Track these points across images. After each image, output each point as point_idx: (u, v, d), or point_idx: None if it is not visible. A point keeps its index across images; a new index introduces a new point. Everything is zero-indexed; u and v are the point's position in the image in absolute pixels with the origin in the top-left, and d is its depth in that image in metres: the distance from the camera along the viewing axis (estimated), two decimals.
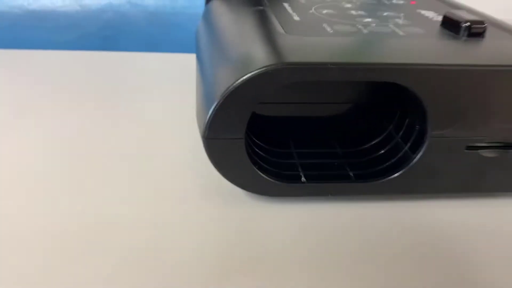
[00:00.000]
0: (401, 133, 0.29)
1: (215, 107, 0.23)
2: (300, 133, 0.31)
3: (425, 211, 0.28)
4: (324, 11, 0.33)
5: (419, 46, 0.26)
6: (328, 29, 0.28)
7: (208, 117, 0.24)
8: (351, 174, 0.28)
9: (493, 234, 0.26)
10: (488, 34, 0.29)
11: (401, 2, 0.37)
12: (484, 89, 0.24)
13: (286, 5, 0.34)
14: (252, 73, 0.22)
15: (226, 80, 0.23)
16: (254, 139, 0.29)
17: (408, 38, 0.28)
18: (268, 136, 0.31)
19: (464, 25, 0.28)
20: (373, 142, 0.30)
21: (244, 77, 0.23)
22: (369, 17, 0.32)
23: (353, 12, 0.33)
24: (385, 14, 0.33)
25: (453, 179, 0.27)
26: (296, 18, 0.30)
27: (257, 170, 0.25)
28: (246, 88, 0.23)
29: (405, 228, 0.26)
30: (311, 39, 0.26)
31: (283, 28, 0.28)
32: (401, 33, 0.29)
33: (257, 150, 0.28)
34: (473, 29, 0.28)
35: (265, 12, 0.31)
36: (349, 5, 0.35)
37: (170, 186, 0.28)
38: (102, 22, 0.61)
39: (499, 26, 0.31)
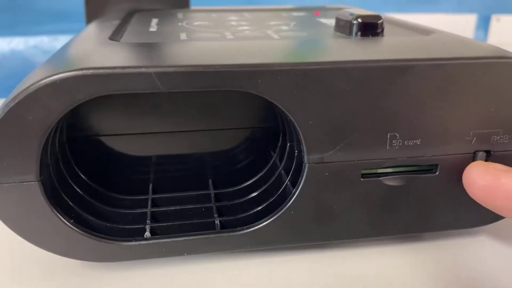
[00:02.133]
0: (283, 162, 0.22)
1: None
2: (166, 174, 0.24)
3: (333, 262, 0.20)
4: (196, 23, 0.26)
5: (284, 47, 0.20)
6: (183, 36, 0.22)
7: None
8: (216, 222, 0.20)
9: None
10: (388, 33, 0.23)
11: (303, 14, 0.32)
12: (371, 93, 0.18)
13: (154, 19, 0.28)
14: (31, 88, 0.16)
15: (7, 102, 0.16)
16: (88, 182, 0.22)
17: (279, 41, 0.21)
18: (124, 179, 0.24)
19: (354, 22, 0.22)
20: (254, 178, 0.23)
21: (23, 95, 0.16)
22: (248, 26, 0.25)
23: (234, 23, 0.27)
24: (272, 23, 0.27)
25: (352, 220, 0.20)
26: (152, 29, 0.24)
27: (68, 225, 0.18)
28: (25, 109, 0.16)
29: None
30: (143, 46, 0.19)
31: (122, 37, 0.21)
32: (276, 37, 0.22)
33: (84, 197, 0.21)
34: (366, 27, 0.22)
35: (122, 25, 0.25)
36: (235, 18, 0.29)
37: None
38: (5, 71, 0.55)
39: (406, 27, 0.25)
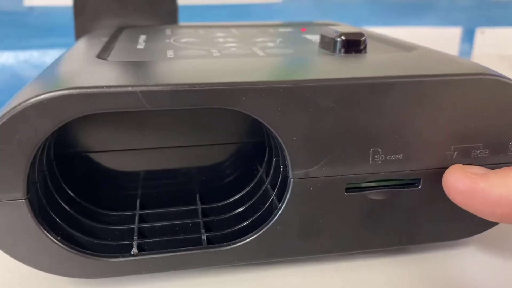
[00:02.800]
0: (269, 177, 0.22)
1: None
2: (153, 189, 0.24)
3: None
4: (184, 40, 0.27)
5: (269, 65, 0.20)
6: (170, 54, 0.22)
7: None
8: (203, 237, 0.20)
9: None
10: (371, 49, 0.23)
11: (290, 30, 0.32)
12: (354, 109, 0.18)
13: (142, 36, 0.28)
14: (18, 107, 0.16)
15: None
16: (76, 198, 0.22)
17: (264, 58, 0.22)
18: (112, 196, 0.24)
19: (338, 39, 0.22)
20: (241, 193, 0.23)
21: (10, 114, 0.16)
22: (235, 43, 0.26)
23: (220, 40, 0.27)
24: (258, 39, 0.27)
25: (338, 234, 0.20)
26: (140, 46, 0.25)
27: (55, 242, 0.18)
28: (12, 128, 0.16)
29: None
30: (129, 65, 0.20)
31: (109, 56, 0.22)
32: (261, 54, 0.23)
33: (72, 214, 0.21)
34: (349, 44, 0.22)
35: (110, 43, 0.25)
36: (222, 35, 0.29)
37: None
38: None
39: (389, 43, 0.26)
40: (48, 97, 0.16)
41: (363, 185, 0.20)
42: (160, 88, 0.17)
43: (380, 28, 0.31)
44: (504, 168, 0.18)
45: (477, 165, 0.20)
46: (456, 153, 0.20)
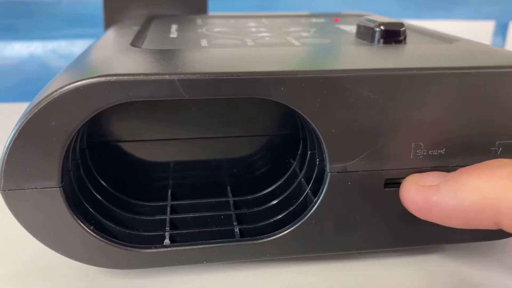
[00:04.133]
0: (303, 171, 0.22)
1: (9, 145, 0.16)
2: (185, 180, 0.24)
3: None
4: (216, 29, 0.26)
5: (306, 54, 0.20)
6: (204, 43, 0.22)
7: (2, 159, 0.16)
8: (236, 230, 0.20)
9: None
10: (410, 40, 0.22)
11: (322, 20, 0.31)
12: (396, 101, 0.17)
13: (174, 25, 0.28)
14: (55, 94, 0.16)
15: (30, 108, 0.16)
16: (108, 188, 0.22)
17: (301, 48, 0.21)
18: (143, 186, 0.23)
19: (376, 29, 0.22)
20: (273, 186, 0.23)
21: (46, 101, 0.16)
22: (268, 33, 0.25)
23: (253, 29, 0.27)
24: (291, 29, 0.27)
25: (374, 230, 0.20)
26: (173, 35, 0.24)
27: (88, 231, 0.18)
28: (48, 115, 0.16)
29: None
30: (165, 53, 0.19)
31: (143, 44, 0.21)
32: (297, 43, 0.22)
33: (104, 204, 0.21)
34: (389, 34, 0.22)
35: (142, 32, 0.25)
36: (253, 24, 0.29)
37: None
38: (23, 75, 0.55)
39: (429, 34, 0.25)
40: (85, 84, 0.16)
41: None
42: (198, 76, 0.16)
43: (410, 22, 0.30)
44: (454, 173, 0.17)
45: (433, 171, 0.18)
46: (500, 149, 0.19)
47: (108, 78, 0.16)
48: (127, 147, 0.24)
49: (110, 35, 0.26)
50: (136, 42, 0.22)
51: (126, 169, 0.24)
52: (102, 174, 0.22)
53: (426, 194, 0.17)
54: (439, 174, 0.18)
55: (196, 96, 0.16)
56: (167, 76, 0.16)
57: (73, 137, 0.17)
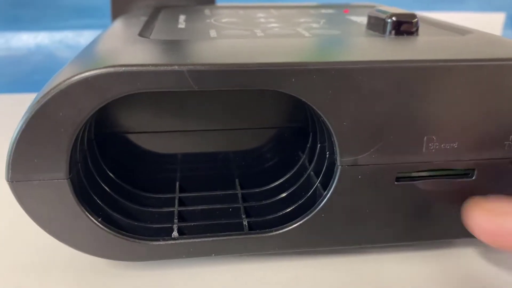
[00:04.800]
0: (313, 164, 0.21)
1: (17, 137, 0.16)
2: (193, 172, 0.24)
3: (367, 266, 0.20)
4: (225, 20, 0.26)
5: (317, 45, 0.20)
6: (213, 34, 0.22)
7: (10, 150, 0.16)
8: (244, 223, 0.20)
9: None
10: (422, 32, 0.22)
11: (332, 11, 0.31)
12: (409, 94, 0.17)
13: (182, 16, 0.27)
14: (63, 84, 0.15)
15: (38, 99, 0.16)
16: (116, 180, 0.22)
17: (311, 39, 0.21)
18: (151, 178, 0.23)
19: (388, 21, 0.21)
20: (282, 179, 0.22)
21: (54, 91, 0.15)
22: (277, 23, 0.25)
23: (262, 20, 0.26)
24: (301, 20, 0.26)
25: (384, 224, 0.19)
26: (181, 26, 0.24)
27: (96, 223, 0.18)
28: (57, 106, 0.16)
29: None
30: (173, 43, 0.19)
31: (151, 34, 0.21)
32: (307, 34, 0.22)
33: (112, 195, 0.20)
34: (401, 26, 0.21)
35: (150, 22, 0.25)
36: (262, 15, 0.28)
37: None
38: (30, 66, 0.55)
39: (441, 26, 0.24)
40: (93, 75, 0.15)
41: (414, 174, 0.19)
42: (208, 67, 0.16)
43: (420, 13, 0.30)
44: None
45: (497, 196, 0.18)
46: None
47: (116, 69, 0.15)
48: (135, 138, 0.24)
49: (118, 26, 0.26)
50: (144, 32, 0.21)
51: (134, 161, 0.23)
52: (110, 165, 0.22)
53: (500, 222, 0.17)
54: (506, 200, 0.18)
55: (205, 88, 0.16)
56: (176, 67, 0.16)
57: (81, 128, 0.17)
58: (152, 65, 0.16)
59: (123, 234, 0.18)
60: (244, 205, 0.21)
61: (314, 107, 0.17)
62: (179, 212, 0.21)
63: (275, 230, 0.19)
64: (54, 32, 0.55)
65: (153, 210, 0.21)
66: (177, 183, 0.23)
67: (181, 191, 0.22)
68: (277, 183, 0.22)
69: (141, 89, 0.16)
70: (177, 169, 0.24)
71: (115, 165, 0.22)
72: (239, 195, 0.22)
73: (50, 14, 0.55)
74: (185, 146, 0.24)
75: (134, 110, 0.23)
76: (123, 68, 0.15)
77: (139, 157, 0.24)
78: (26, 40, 0.56)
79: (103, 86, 0.16)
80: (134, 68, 0.15)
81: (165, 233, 0.19)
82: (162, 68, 0.16)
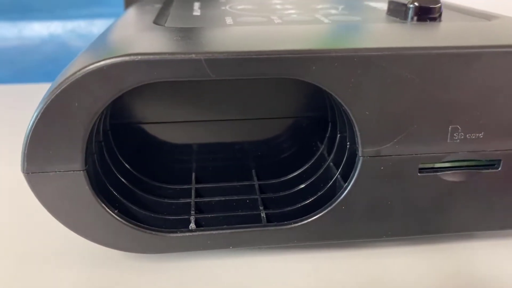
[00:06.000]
0: (332, 154, 0.21)
1: (32, 127, 0.16)
2: (209, 163, 0.24)
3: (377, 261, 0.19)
4: (240, 7, 0.25)
5: (337, 32, 0.19)
6: (229, 21, 0.21)
7: (25, 141, 0.16)
8: (262, 215, 0.19)
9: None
10: (445, 18, 0.21)
11: None
12: (434, 82, 0.16)
13: (196, 3, 0.27)
14: (77, 74, 0.15)
15: (53, 88, 0.16)
16: (131, 171, 0.21)
17: (331, 25, 0.20)
18: (166, 169, 0.23)
19: (410, 6, 0.21)
20: (300, 170, 0.22)
21: (69, 81, 0.15)
22: (295, 10, 0.24)
23: (278, 6, 0.26)
24: (319, 6, 0.26)
25: (406, 217, 0.19)
26: (196, 13, 0.23)
27: (113, 215, 0.17)
28: (71, 96, 0.15)
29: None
30: (189, 31, 0.18)
31: (166, 22, 0.21)
32: (326, 21, 0.21)
33: (128, 187, 0.20)
34: (423, 11, 0.20)
35: (164, 9, 0.24)
36: (278, 1, 0.28)
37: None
38: (43, 56, 0.55)
39: (465, 11, 0.24)
40: (109, 64, 0.15)
41: (438, 165, 0.18)
42: (226, 56, 0.15)
43: None
44: None
45: None
46: None
47: (132, 58, 0.15)
48: (150, 129, 0.23)
49: (132, 14, 0.25)
50: (159, 20, 0.21)
51: (150, 152, 0.23)
52: (126, 157, 0.21)
53: None
54: None
55: (223, 77, 0.16)
56: (193, 56, 0.15)
57: (97, 118, 0.16)
58: (169, 53, 0.15)
59: (140, 226, 0.18)
60: (262, 196, 0.21)
61: (335, 96, 0.16)
62: (196, 203, 0.20)
63: (294, 223, 0.18)
64: (66, 21, 0.55)
65: (170, 201, 0.20)
66: (193, 174, 0.22)
67: (197, 182, 0.22)
68: (295, 174, 0.22)
69: (157, 78, 0.15)
70: (193, 159, 0.24)
71: (131, 156, 0.22)
72: (256, 186, 0.22)
73: (62, 3, 0.55)
74: (201, 137, 0.24)
75: (150, 100, 0.23)
76: (139, 57, 0.15)
77: (155, 148, 0.23)
78: (38, 29, 0.56)
79: (119, 75, 0.15)
80: (151, 57, 0.15)
81: (182, 225, 0.19)
82: (179, 56, 0.15)
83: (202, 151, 0.24)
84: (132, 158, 0.22)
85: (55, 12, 0.55)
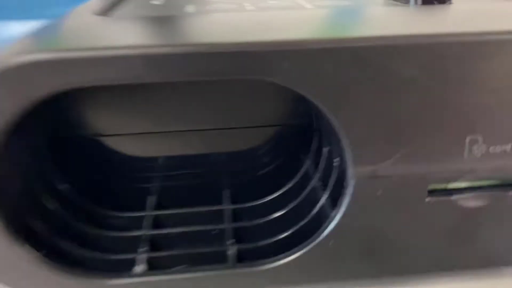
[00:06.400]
0: (318, 172, 0.17)
1: None
2: (171, 182, 0.20)
3: None
4: None
5: (320, 19, 0.15)
6: (191, 9, 0.17)
7: None
8: (231, 252, 0.15)
9: None
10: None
11: None
12: (444, 80, 0.13)
13: None
14: None
15: None
16: (68, 194, 0.17)
17: (314, 11, 0.16)
18: (117, 190, 0.19)
19: None
20: (280, 191, 0.18)
21: None
22: None
23: None
24: None
25: (413, 251, 0.15)
26: (156, 2, 0.19)
27: (39, 259, 0.14)
28: None
29: None
30: (136, 22, 0.15)
31: (112, 12, 0.17)
32: (308, 6, 0.17)
33: (62, 217, 0.16)
34: None
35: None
36: None
37: None
38: None
39: None
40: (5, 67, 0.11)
41: (452, 186, 0.14)
42: (167, 50, 0.12)
43: None
44: None
45: None
46: None
47: (35, 57, 0.11)
48: (101, 142, 0.19)
49: (83, 5, 0.21)
50: (105, 10, 0.17)
51: (101, 168, 0.19)
52: (67, 176, 0.17)
53: None
54: None
55: (163, 78, 0.12)
56: (119, 51, 0.11)
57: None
58: (88, 49, 0.11)
59: (72, 270, 0.14)
60: (233, 225, 0.17)
61: (316, 102, 0.12)
62: (150, 236, 0.16)
63: (268, 263, 0.14)
64: (44, 20, 0.52)
65: (116, 234, 0.16)
66: (148, 198, 0.18)
67: (156, 206, 0.18)
68: (274, 195, 0.18)
69: (74, 83, 0.11)
70: (152, 178, 0.20)
71: (75, 176, 0.18)
72: (227, 212, 0.18)
73: (38, 2, 0.52)
74: (162, 150, 0.20)
75: (97, 106, 0.19)
76: (43, 55, 0.11)
77: (106, 164, 0.19)
78: (17, 29, 0.53)
79: (21, 80, 0.11)
80: (59, 55, 0.11)
81: (130, 267, 0.15)
82: (101, 53, 0.11)
83: (163, 168, 0.20)
84: (77, 178, 0.18)
85: (34, 11, 0.52)
